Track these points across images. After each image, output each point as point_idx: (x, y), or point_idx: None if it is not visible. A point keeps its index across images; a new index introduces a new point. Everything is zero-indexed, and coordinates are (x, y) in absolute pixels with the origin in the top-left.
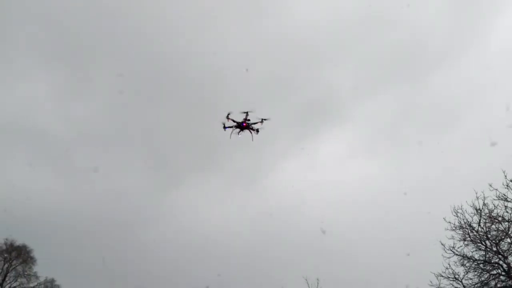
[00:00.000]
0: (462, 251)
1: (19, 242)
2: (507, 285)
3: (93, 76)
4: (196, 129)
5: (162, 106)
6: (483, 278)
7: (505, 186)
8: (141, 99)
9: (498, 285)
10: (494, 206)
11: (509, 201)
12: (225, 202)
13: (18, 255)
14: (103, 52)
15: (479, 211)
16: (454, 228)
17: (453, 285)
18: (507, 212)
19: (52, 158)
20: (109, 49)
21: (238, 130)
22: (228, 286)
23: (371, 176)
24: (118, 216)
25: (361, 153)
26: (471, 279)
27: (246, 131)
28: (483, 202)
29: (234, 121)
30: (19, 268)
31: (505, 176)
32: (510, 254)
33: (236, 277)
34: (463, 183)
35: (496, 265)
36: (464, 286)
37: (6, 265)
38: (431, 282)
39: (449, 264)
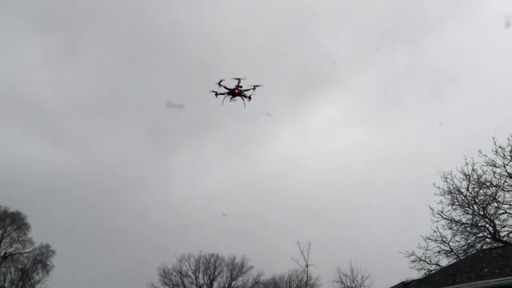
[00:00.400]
0: (450, 215)
1: (13, 209)
2: (492, 247)
3: (87, 44)
4: (190, 96)
5: (156, 73)
6: (469, 241)
7: (494, 152)
8: (135, 67)
9: (484, 247)
10: (483, 172)
11: (498, 167)
12: (220, 167)
13: (12, 221)
14: (97, 21)
15: (468, 177)
16: (443, 193)
17: (440, 247)
18: (495, 177)
19: (47, 126)
20: (102, 16)
21: (230, 97)
22: (226, 249)
23: (366, 143)
24: (114, 182)
25: (356, 121)
26: (458, 241)
27: (238, 98)
28: (472, 168)
29: (226, 87)
30: (14, 234)
31: (495, 142)
32: (496, 218)
33: (232, 241)
34: (455, 149)
35: (483, 228)
36: (451, 249)
37: (0, 232)
38: (419, 244)
39: (437, 228)
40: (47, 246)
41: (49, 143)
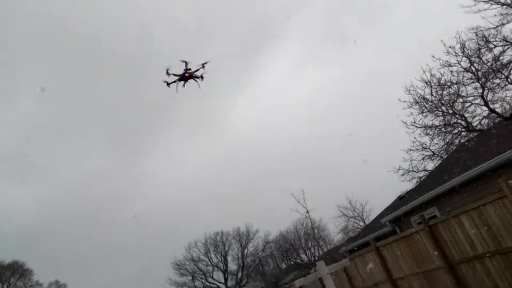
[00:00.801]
0: (423, 123)
1: (8, 260)
2: (469, 138)
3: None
4: (143, 94)
5: (102, 81)
6: (447, 140)
7: (446, 53)
8: (80, 80)
9: (462, 141)
10: (441, 74)
11: (453, 65)
12: (192, 151)
13: (13, 272)
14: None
15: (428, 83)
16: (410, 105)
17: (423, 154)
18: (453, 75)
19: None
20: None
21: (182, 82)
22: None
23: (323, 83)
24: (94, 197)
25: (308, 64)
26: (437, 144)
27: (191, 81)
28: (430, 74)
29: (175, 75)
30: (20, 283)
31: (444, 44)
32: (465, 112)
33: (230, 214)
34: (410, 63)
35: (456, 124)
36: (433, 152)
37: (5, 286)
38: (403, 158)
39: (415, 138)
40: (57, 282)
41: (19, 183)
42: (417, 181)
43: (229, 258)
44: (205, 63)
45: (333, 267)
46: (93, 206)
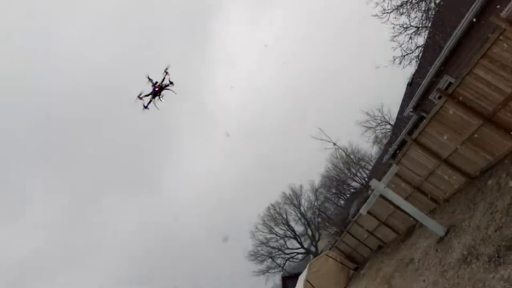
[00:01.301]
0: (392, 5)
1: None
2: None
3: None
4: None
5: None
6: (423, 8)
7: None
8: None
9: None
10: None
11: None
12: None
13: None
14: None
15: None
16: None
17: (408, 34)
18: None
19: None
20: None
21: (157, 98)
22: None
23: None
24: None
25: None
26: (416, 17)
27: (165, 92)
28: None
29: (147, 95)
30: None
31: None
32: None
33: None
34: None
35: None
36: (416, 26)
37: None
38: (393, 48)
39: (392, 23)
40: None
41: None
42: (416, 61)
43: (292, 223)
44: (167, 69)
45: (385, 180)
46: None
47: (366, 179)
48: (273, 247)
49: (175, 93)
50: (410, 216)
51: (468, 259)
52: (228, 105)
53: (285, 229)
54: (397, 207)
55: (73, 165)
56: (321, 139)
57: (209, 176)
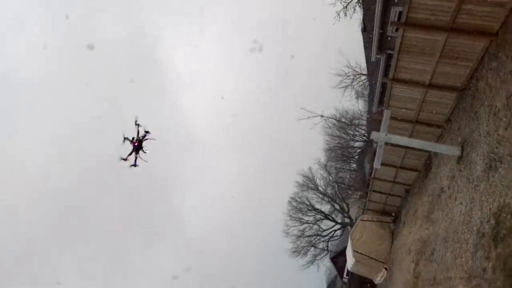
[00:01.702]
0: None
1: None
2: None
3: None
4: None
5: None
6: None
7: None
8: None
9: None
10: None
11: None
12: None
13: None
14: None
15: None
16: None
17: None
18: None
19: None
20: None
21: (140, 152)
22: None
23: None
24: None
25: None
26: None
27: (145, 143)
28: None
29: (130, 153)
30: None
31: None
32: None
33: None
34: None
35: None
36: None
37: None
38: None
39: None
40: None
41: None
42: (359, 5)
43: (318, 206)
44: (136, 121)
45: (383, 128)
46: None
47: (366, 135)
48: (310, 235)
49: (155, 139)
50: (422, 150)
51: (492, 166)
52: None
53: (313, 214)
54: (406, 147)
55: (90, 237)
56: (308, 117)
57: (221, 201)
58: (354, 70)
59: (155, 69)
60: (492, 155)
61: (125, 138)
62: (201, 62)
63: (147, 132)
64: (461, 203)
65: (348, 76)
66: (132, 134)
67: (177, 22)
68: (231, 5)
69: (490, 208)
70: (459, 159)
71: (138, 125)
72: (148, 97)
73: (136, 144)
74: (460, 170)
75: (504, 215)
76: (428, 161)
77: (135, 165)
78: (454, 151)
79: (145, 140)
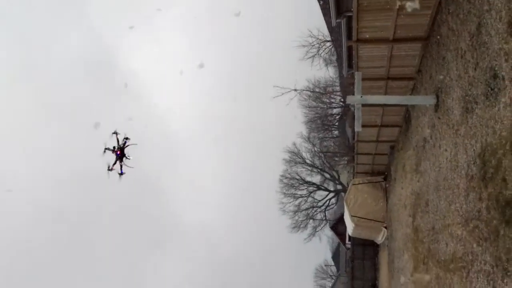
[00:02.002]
0: None
1: None
2: None
3: None
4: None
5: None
6: None
7: None
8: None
9: None
10: None
11: None
12: None
13: None
14: None
15: None
16: None
17: None
18: None
19: None
20: None
21: (123, 158)
22: None
23: None
24: None
25: None
26: None
27: (127, 150)
28: None
29: (114, 163)
30: None
31: None
32: None
33: None
34: None
35: None
36: None
37: None
38: None
39: None
40: None
41: None
42: None
43: (308, 178)
44: (114, 132)
45: (357, 90)
46: None
47: (342, 100)
48: (306, 209)
49: (136, 144)
50: (399, 105)
51: (469, 108)
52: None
53: (305, 187)
54: (384, 105)
55: (95, 255)
56: (282, 94)
57: (214, 193)
58: (318, 38)
59: (119, 74)
60: (467, 97)
61: (105, 149)
62: (165, 55)
63: (126, 138)
64: (445, 150)
65: (313, 45)
66: (113, 143)
67: (130, 22)
68: None
69: (474, 150)
70: (436, 107)
71: (116, 133)
72: (118, 102)
73: (118, 152)
74: (439, 118)
75: (488, 154)
76: (407, 115)
77: (121, 173)
78: (430, 100)
79: (126, 146)
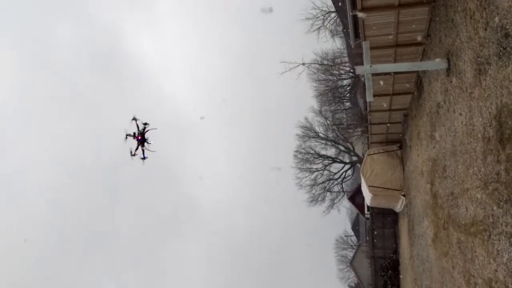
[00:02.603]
0: None
1: None
2: None
3: None
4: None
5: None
6: None
7: None
8: None
9: None
10: None
11: None
12: None
13: None
14: None
15: None
16: None
17: None
18: None
19: None
20: None
21: (145, 144)
22: None
23: None
24: None
25: None
26: None
27: (147, 134)
28: None
29: (136, 148)
30: None
31: None
32: None
33: None
34: None
35: None
36: None
37: None
38: None
39: None
40: None
41: None
42: None
43: (323, 152)
44: (134, 118)
45: (366, 60)
46: None
47: (352, 71)
48: (323, 182)
49: (156, 128)
50: (410, 72)
51: (482, 70)
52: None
53: (321, 160)
54: (394, 73)
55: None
56: (290, 69)
57: (230, 174)
58: (322, 10)
59: (129, 63)
60: (479, 59)
61: (127, 135)
62: (168, 43)
63: (145, 124)
64: (460, 114)
65: (317, 17)
66: (133, 130)
67: (132, 12)
68: None
69: (489, 112)
70: (448, 71)
71: (135, 119)
72: (127, 91)
73: (139, 137)
74: (451, 82)
75: (504, 115)
76: (418, 81)
77: (144, 157)
78: (441, 64)
79: (146, 132)
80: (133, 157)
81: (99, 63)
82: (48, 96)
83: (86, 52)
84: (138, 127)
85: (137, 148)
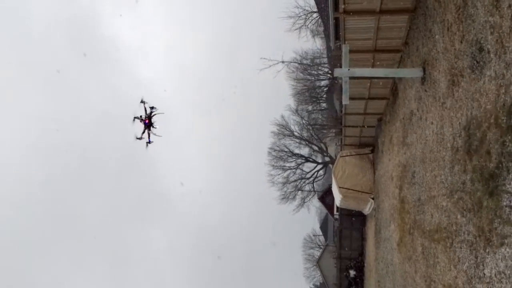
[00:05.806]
0: None
1: None
2: None
3: None
4: None
5: None
6: None
7: None
8: None
9: None
10: None
11: None
12: None
13: None
14: None
15: None
16: None
17: None
18: None
19: None
20: None
21: (151, 128)
22: None
23: None
24: None
25: None
26: None
27: (154, 119)
28: None
29: (143, 132)
30: None
31: None
32: None
33: None
34: None
35: None
36: None
37: None
38: None
39: None
40: None
41: None
42: None
43: (297, 150)
44: (142, 100)
45: (345, 63)
46: None
47: (330, 72)
48: (295, 180)
49: (163, 113)
50: (386, 78)
51: (455, 81)
52: None
53: (294, 159)
54: (371, 78)
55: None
56: (270, 66)
57: (203, 168)
58: (304, 10)
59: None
60: (453, 70)
61: (135, 118)
62: (147, 28)
63: (152, 108)
64: (432, 122)
65: (299, 16)
66: (140, 113)
67: None
68: None
69: (459, 123)
70: (423, 79)
71: (143, 102)
72: (103, 72)
73: (146, 121)
74: (426, 91)
75: (473, 127)
76: (394, 87)
77: (149, 141)
78: (416, 73)
79: (153, 115)
80: (139, 140)
81: (76, 43)
82: (21, 74)
83: (62, 29)
84: (145, 110)
85: (143, 132)
